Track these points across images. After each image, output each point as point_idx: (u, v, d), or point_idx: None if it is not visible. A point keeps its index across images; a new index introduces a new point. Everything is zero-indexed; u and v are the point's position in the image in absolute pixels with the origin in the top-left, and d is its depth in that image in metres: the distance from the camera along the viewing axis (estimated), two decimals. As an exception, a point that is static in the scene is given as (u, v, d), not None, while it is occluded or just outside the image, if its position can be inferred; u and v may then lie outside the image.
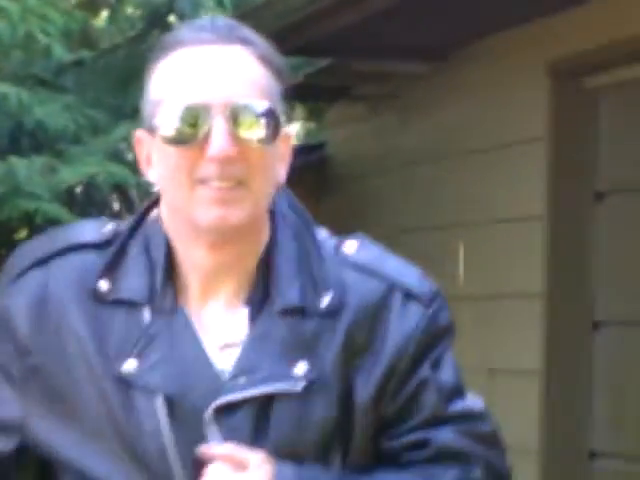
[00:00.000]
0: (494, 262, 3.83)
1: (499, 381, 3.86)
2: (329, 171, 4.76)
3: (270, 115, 0.86)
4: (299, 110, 5.47)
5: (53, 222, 3.98)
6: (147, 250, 0.92)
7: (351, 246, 0.93)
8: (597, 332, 3.51)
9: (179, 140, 0.85)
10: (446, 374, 0.94)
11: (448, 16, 3.73)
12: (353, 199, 4.61)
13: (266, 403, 0.88)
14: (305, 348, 0.88)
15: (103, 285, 0.90)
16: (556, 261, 3.57)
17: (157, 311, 0.90)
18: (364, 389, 0.89)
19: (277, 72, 0.91)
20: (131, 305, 0.90)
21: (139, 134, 0.93)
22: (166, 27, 5.22)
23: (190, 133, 0.85)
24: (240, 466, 0.87)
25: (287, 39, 4.03)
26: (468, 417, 0.96)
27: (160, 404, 0.87)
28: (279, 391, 0.87)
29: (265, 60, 0.90)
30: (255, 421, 0.88)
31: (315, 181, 4.51)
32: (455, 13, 3.69)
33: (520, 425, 3.55)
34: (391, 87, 4.49)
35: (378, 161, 4.54)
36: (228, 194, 0.84)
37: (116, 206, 5.14)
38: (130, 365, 0.88)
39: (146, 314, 0.90)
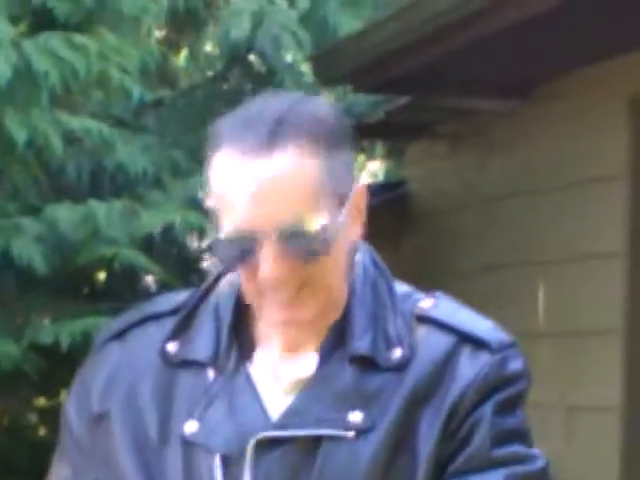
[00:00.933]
0: (574, 299, 3.82)
1: (578, 418, 3.87)
2: (409, 208, 4.77)
3: (322, 232, 0.84)
4: (379, 147, 5.48)
5: (131, 267, 4.15)
6: (216, 311, 0.95)
7: (427, 302, 0.93)
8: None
9: (231, 261, 0.88)
10: (507, 419, 0.90)
11: (530, 54, 3.76)
12: (433, 236, 4.62)
13: (313, 446, 0.88)
14: (366, 398, 0.89)
15: (171, 347, 0.93)
16: (637, 298, 3.55)
17: (220, 371, 0.92)
18: (427, 437, 0.88)
19: (335, 146, 0.87)
20: (197, 366, 0.92)
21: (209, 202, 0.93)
22: (246, 66, 5.31)
23: (240, 257, 0.86)
24: None
25: (368, 76, 4.25)
26: (521, 461, 0.90)
27: (217, 464, 0.89)
28: (329, 434, 0.88)
29: (319, 146, 0.86)
30: (298, 462, 0.89)
31: (395, 218, 4.56)
32: (537, 51, 3.73)
33: (600, 462, 3.61)
34: (473, 124, 4.50)
35: (459, 198, 4.55)
36: (291, 300, 0.85)
37: (194, 248, 5.32)
38: (192, 426, 0.90)
39: (210, 374, 0.92)
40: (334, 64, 4.17)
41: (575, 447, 3.89)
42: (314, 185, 0.84)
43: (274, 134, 0.83)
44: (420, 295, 0.95)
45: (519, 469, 0.89)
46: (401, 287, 0.96)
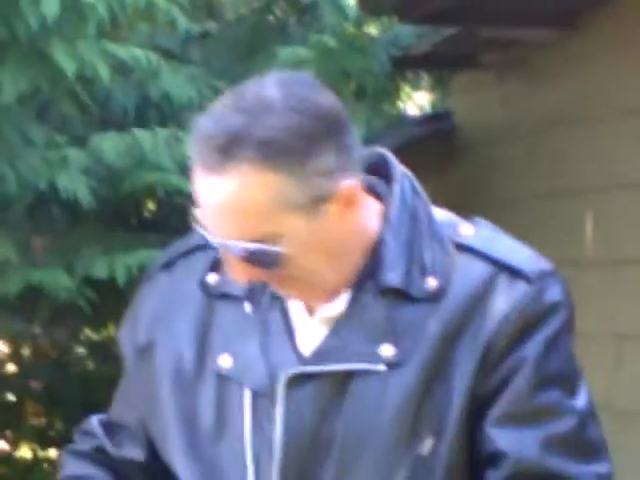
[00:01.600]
0: (621, 227, 3.83)
1: (627, 347, 3.87)
2: (455, 139, 4.77)
3: (280, 243, 0.85)
4: (425, 79, 5.44)
5: (177, 193, 4.20)
6: None
7: (467, 229, 0.93)
8: None
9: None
10: (551, 359, 0.90)
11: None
12: (480, 166, 4.64)
13: (343, 381, 0.89)
14: (398, 331, 0.89)
15: (211, 279, 0.95)
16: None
17: (256, 306, 0.93)
18: (463, 370, 0.88)
19: (303, 155, 0.86)
20: (234, 300, 0.94)
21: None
22: (291, -2, 5.33)
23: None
24: None
25: (415, 8, 4.20)
26: (560, 415, 0.90)
27: (248, 399, 0.91)
28: (359, 369, 0.89)
29: (276, 161, 0.85)
30: (329, 397, 0.90)
31: (441, 149, 4.61)
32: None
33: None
34: (519, 54, 4.44)
35: (505, 128, 4.56)
36: (274, 287, 0.89)
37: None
38: (226, 361, 0.93)
39: (247, 308, 0.93)
40: (381, -3, 4.21)
41: (625, 375, 3.90)
42: (271, 199, 0.84)
43: (226, 152, 0.82)
44: (460, 222, 0.95)
45: (556, 429, 0.89)
46: (441, 214, 0.95)
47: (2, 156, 4.14)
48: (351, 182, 0.86)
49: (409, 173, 0.96)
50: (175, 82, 4.49)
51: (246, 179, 0.83)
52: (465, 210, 1.04)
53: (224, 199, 0.84)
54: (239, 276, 0.91)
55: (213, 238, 0.89)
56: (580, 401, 0.91)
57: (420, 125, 5.04)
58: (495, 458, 0.89)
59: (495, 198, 4.52)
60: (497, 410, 0.89)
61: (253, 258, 0.86)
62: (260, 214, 0.85)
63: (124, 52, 4.20)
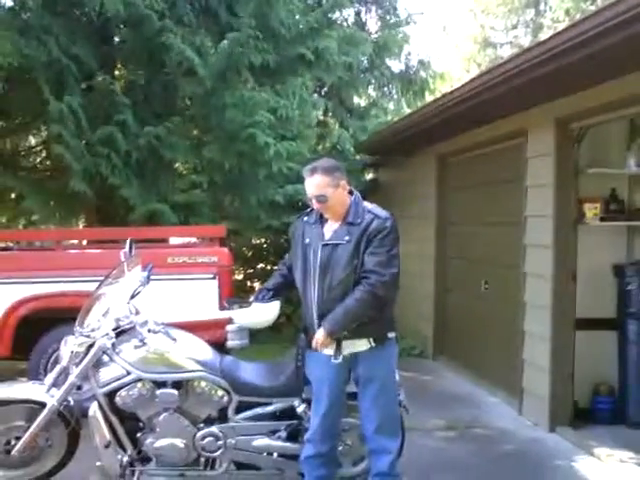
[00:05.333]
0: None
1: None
2: (378, 184, 12.27)
3: (332, 188, 4.00)
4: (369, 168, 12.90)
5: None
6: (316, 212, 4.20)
7: (369, 205, 4.14)
8: None
9: (309, 200, 4.10)
10: (386, 239, 4.00)
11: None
12: (386, 192, 11.60)
13: (334, 245, 4.03)
14: (350, 233, 4.01)
15: (305, 218, 4.26)
16: None
17: (314, 224, 4.21)
18: (364, 243, 4.00)
19: (334, 171, 4.05)
20: (311, 224, 4.22)
21: None
22: None
23: (311, 200, 4.08)
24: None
25: (363, 150, 11.42)
26: (383, 255, 4.01)
27: (314, 250, 4.16)
28: (339, 242, 4.04)
29: (325, 172, 4.01)
30: (330, 251, 4.04)
31: (373, 186, 12.16)
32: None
33: None
34: (396, 161, 11.04)
35: (393, 182, 11.65)
36: (326, 210, 4.13)
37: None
38: (306, 239, 4.17)
39: (311, 224, 4.28)
40: None
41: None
42: (325, 181, 3.99)
43: (313, 170, 4.02)
44: (368, 204, 4.11)
45: (380, 257, 4.02)
46: (365, 202, 4.13)
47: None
48: (344, 182, 4.04)
49: (357, 192, 4.13)
50: None
51: (319, 177, 4.00)
52: (380, 202, 4.48)
53: (313, 182, 3.99)
54: (316, 206, 4.00)
55: (310, 195, 4.00)
56: (393, 253, 3.99)
57: (367, 180, 12.36)
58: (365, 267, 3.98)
59: (387, 201, 9.16)
60: (368, 252, 3.97)
61: (320, 199, 3.97)
62: (322, 186, 3.98)
63: None
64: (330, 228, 4.10)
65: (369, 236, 3.96)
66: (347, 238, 3.97)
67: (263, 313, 4.25)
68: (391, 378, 4.13)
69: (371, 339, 3.98)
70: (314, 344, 3.95)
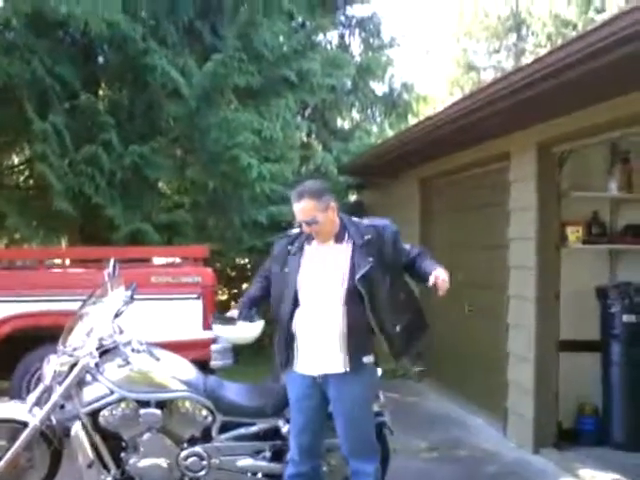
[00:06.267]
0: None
1: None
2: (365, 205, 12.37)
3: (321, 213, 3.88)
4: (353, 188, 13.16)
5: None
6: (301, 235, 4.11)
7: (365, 220, 4.10)
8: None
9: (300, 225, 4.01)
10: (396, 242, 4.02)
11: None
12: (373, 210, 12.28)
13: (368, 275, 3.92)
14: (371, 253, 3.94)
15: (289, 247, 4.13)
16: None
17: (297, 250, 4.08)
18: (386, 252, 4.01)
19: (321, 195, 3.90)
20: (292, 250, 4.10)
21: None
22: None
23: (300, 225, 4.01)
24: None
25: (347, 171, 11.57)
26: (404, 251, 4.11)
27: (297, 280, 4.07)
28: (369, 267, 3.92)
29: (312, 196, 3.86)
30: (369, 281, 3.92)
31: (359, 207, 12.19)
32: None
33: None
34: (381, 183, 11.25)
35: (379, 204, 11.69)
36: (316, 234, 4.04)
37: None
38: (285, 268, 4.07)
39: (293, 251, 4.10)
40: None
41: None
42: (313, 206, 3.85)
43: (300, 195, 3.88)
44: (362, 219, 4.09)
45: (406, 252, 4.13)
46: (357, 219, 4.07)
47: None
48: (333, 204, 3.93)
49: (344, 215, 4.09)
50: None
51: (307, 201, 3.86)
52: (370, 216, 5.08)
53: (301, 207, 3.88)
54: (306, 230, 3.92)
55: (300, 220, 3.89)
56: (408, 247, 4.14)
57: (351, 202, 12.56)
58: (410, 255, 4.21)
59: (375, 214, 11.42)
60: (399, 253, 4.08)
61: (310, 223, 3.87)
62: (311, 211, 3.86)
63: None
64: (330, 251, 4.05)
65: (392, 245, 4.02)
66: (371, 259, 3.91)
67: (247, 330, 4.24)
68: (364, 402, 4.02)
69: (347, 363, 3.90)
70: (440, 282, 3.92)
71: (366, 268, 3.86)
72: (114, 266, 4.98)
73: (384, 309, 3.88)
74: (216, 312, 4.41)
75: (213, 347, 6.91)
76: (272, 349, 4.22)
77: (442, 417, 7.73)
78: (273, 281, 4.09)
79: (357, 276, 3.84)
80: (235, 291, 12.79)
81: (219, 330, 4.35)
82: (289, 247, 4.05)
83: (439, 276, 3.86)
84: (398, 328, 3.96)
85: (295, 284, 3.95)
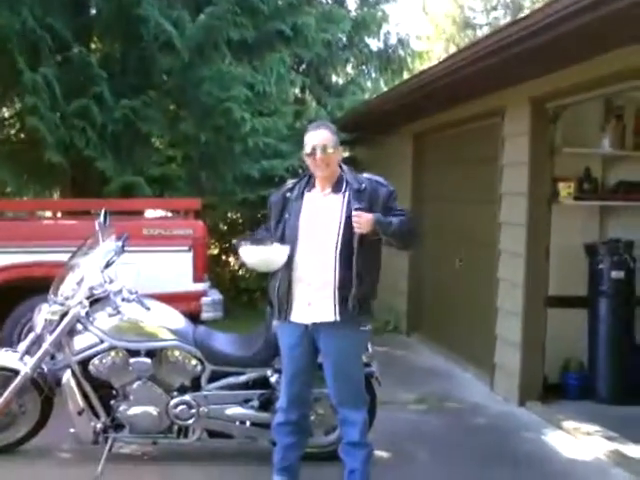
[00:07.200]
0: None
1: None
2: (356, 160, 12.29)
3: (334, 147, 3.88)
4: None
5: None
6: (303, 178, 4.11)
7: (365, 174, 4.05)
8: None
9: (309, 154, 3.90)
10: (392, 201, 3.94)
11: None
12: (364, 165, 12.26)
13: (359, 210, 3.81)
14: (362, 199, 3.87)
15: (288, 193, 4.06)
16: None
17: (296, 198, 4.02)
18: (376, 209, 3.85)
19: (336, 134, 3.96)
20: (293, 196, 4.03)
21: (302, 152, 3.96)
22: None
23: (311, 153, 3.89)
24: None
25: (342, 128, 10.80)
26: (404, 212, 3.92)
27: (298, 225, 3.97)
28: (360, 208, 3.82)
29: (332, 131, 3.95)
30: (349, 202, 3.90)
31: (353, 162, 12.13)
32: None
33: None
34: (374, 139, 11.18)
35: (369, 159, 11.77)
36: (323, 169, 3.91)
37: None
38: (286, 215, 4.01)
39: (294, 197, 4.03)
40: None
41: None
42: (332, 137, 3.92)
43: (319, 125, 4.03)
44: (359, 173, 4.03)
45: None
46: (356, 172, 4.02)
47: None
48: (341, 149, 4.01)
49: (345, 166, 4.02)
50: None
51: (326, 131, 3.96)
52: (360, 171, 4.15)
53: (320, 134, 3.92)
54: (314, 160, 3.91)
55: (316, 144, 3.90)
56: (403, 212, 3.92)
57: (344, 158, 12.46)
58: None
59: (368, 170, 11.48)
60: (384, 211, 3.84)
61: (324, 149, 3.86)
62: (329, 140, 3.90)
63: None
64: (327, 201, 3.98)
65: (383, 201, 3.92)
66: (362, 205, 3.85)
67: (280, 252, 3.86)
68: (353, 352, 4.02)
69: (337, 313, 3.89)
70: (355, 218, 3.78)
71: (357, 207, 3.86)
72: (105, 216, 4.99)
73: (358, 258, 3.86)
74: (242, 237, 4.04)
75: (203, 300, 6.93)
76: (264, 300, 4.17)
77: (431, 370, 7.78)
78: (273, 229, 4.03)
79: (346, 215, 3.87)
80: (227, 245, 12.80)
81: (250, 252, 3.88)
82: (288, 194, 4.02)
83: (361, 214, 3.79)
84: (355, 282, 3.90)
85: (297, 229, 3.92)
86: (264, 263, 3.87)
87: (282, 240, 3.93)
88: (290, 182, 4.15)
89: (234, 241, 4.07)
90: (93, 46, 10.60)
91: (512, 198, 6.81)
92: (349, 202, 3.89)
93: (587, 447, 5.49)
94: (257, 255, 3.84)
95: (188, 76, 9.51)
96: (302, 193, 4.01)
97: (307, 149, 3.92)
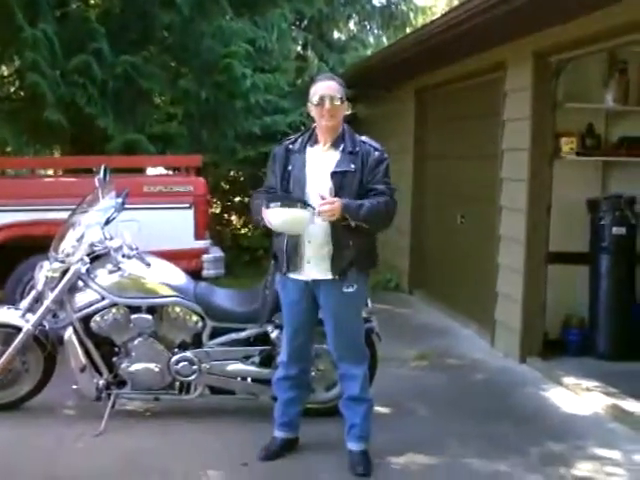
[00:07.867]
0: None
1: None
2: (357, 119, 12.02)
3: (341, 99, 3.85)
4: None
5: None
6: (306, 132, 4.08)
7: (362, 137, 4.02)
8: None
9: (317, 104, 3.86)
10: (384, 174, 3.92)
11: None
12: (364, 124, 11.28)
13: (344, 173, 3.90)
14: (355, 162, 3.90)
15: (291, 145, 4.03)
16: None
17: (299, 150, 4.00)
18: (367, 175, 3.90)
19: (344, 87, 3.93)
20: (295, 149, 4.01)
21: (308, 104, 3.91)
22: None
23: (319, 103, 3.85)
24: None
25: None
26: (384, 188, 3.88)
27: (305, 176, 3.95)
28: (349, 170, 3.90)
29: (340, 84, 3.91)
30: (341, 178, 3.89)
31: (353, 119, 12.00)
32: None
33: None
34: (377, 95, 11.14)
35: (370, 117, 11.47)
36: (329, 118, 3.87)
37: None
38: (290, 167, 3.98)
39: (294, 151, 3.99)
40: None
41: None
42: (340, 90, 3.90)
43: (331, 77, 4.03)
44: (359, 135, 4.01)
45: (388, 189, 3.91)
46: (356, 134, 4.01)
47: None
48: (346, 105, 3.95)
49: (346, 125, 3.98)
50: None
51: (336, 83, 3.94)
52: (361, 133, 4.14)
53: (329, 85, 3.90)
54: (326, 107, 3.85)
55: (326, 93, 3.85)
56: (393, 186, 3.93)
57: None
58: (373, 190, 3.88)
59: (366, 135, 10.27)
60: (375, 180, 3.89)
61: (333, 98, 3.86)
62: (338, 91, 3.89)
63: None
64: (326, 156, 3.98)
65: (371, 167, 3.91)
66: (353, 166, 3.88)
67: (309, 215, 3.76)
68: (353, 307, 4.03)
69: (336, 270, 3.89)
70: (325, 207, 3.74)
71: (344, 168, 3.89)
72: (105, 173, 4.97)
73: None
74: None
75: (205, 257, 6.94)
76: (266, 259, 4.14)
77: (432, 327, 7.80)
78: (278, 182, 3.99)
79: (332, 170, 3.87)
80: (228, 204, 12.77)
81: (279, 214, 3.74)
82: (290, 146, 4.00)
83: (329, 201, 3.76)
84: (350, 241, 3.91)
85: (304, 181, 3.91)
86: (289, 225, 3.78)
87: (287, 192, 3.92)
88: (292, 136, 4.12)
89: (256, 200, 4.00)
90: (92, 1, 10.42)
91: (514, 154, 6.77)
92: (339, 161, 3.93)
93: (587, 402, 5.52)
94: (285, 217, 3.72)
95: (188, 31, 9.40)
96: (304, 147, 4.00)
97: (315, 99, 3.90)
